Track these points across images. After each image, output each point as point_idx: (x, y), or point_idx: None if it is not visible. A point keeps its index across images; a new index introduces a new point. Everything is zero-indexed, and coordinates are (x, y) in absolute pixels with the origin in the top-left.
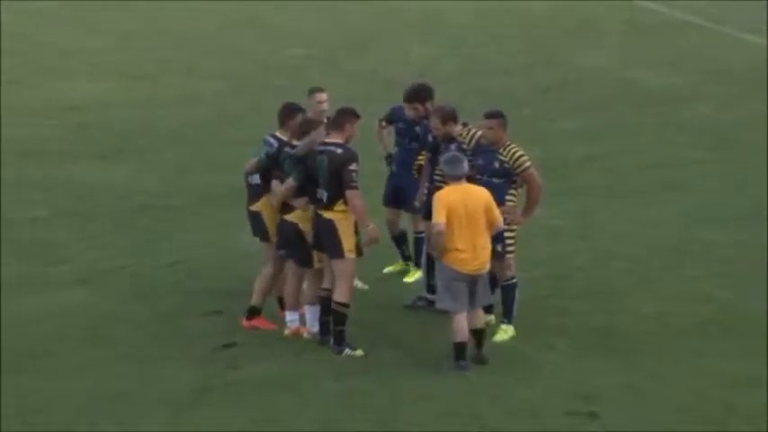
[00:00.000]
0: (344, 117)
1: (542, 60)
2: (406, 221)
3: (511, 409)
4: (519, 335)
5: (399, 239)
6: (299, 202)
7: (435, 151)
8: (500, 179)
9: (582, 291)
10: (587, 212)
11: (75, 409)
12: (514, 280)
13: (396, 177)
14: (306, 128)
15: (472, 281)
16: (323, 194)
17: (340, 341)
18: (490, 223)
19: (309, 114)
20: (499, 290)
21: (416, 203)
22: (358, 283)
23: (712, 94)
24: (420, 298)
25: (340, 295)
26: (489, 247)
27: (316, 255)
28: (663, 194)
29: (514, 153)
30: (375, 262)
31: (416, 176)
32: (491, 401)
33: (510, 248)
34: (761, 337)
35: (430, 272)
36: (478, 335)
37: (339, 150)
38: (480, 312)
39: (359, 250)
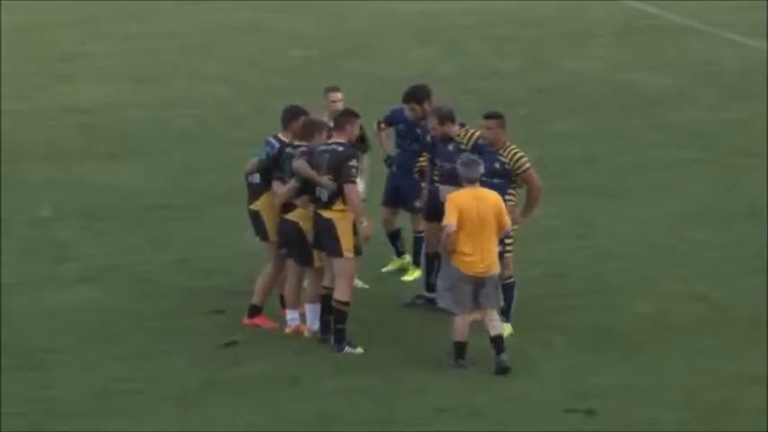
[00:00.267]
0: (345, 118)
1: (538, 63)
2: (406, 222)
3: (509, 405)
4: (517, 333)
5: (394, 236)
6: (301, 201)
7: (433, 151)
8: (500, 179)
9: (579, 289)
10: (584, 212)
11: (82, 405)
12: (512, 279)
13: (396, 178)
14: (309, 129)
15: (479, 282)
16: (322, 193)
17: (340, 339)
18: (500, 228)
19: (325, 114)
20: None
21: (417, 204)
22: (358, 283)
23: (705, 97)
24: (419, 296)
25: (340, 294)
26: (496, 250)
27: (316, 254)
28: (655, 195)
29: (515, 154)
30: (374, 261)
31: (417, 178)
32: (489, 398)
33: (509, 248)
34: (756, 335)
35: (429, 271)
36: (496, 342)
37: (340, 148)
38: (494, 317)
39: (357, 249)
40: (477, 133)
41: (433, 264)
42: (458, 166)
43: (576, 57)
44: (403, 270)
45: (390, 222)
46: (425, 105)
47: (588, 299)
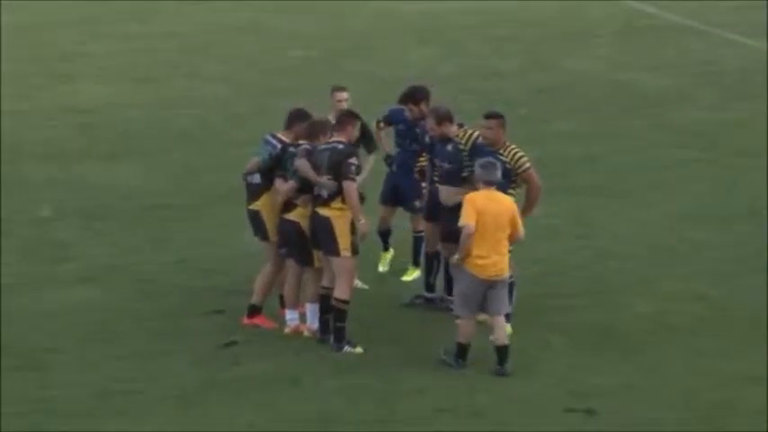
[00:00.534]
0: (347, 119)
1: (538, 63)
2: (405, 221)
3: (509, 405)
4: (516, 332)
5: (385, 234)
6: (301, 200)
7: (432, 152)
8: (501, 179)
9: (579, 289)
10: (584, 212)
11: (82, 405)
12: (513, 279)
13: (395, 177)
14: (315, 130)
15: (489, 285)
16: (322, 190)
17: (340, 338)
18: (514, 233)
19: (331, 113)
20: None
21: (417, 203)
22: (358, 283)
23: (705, 97)
24: (418, 296)
25: (341, 292)
26: (508, 254)
27: (316, 254)
28: (655, 195)
29: (515, 154)
30: (374, 262)
31: (418, 178)
32: (489, 398)
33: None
34: (756, 335)
35: (429, 271)
36: (500, 352)
37: (341, 146)
38: (501, 325)
39: (355, 249)
40: (476, 133)
41: (432, 264)
42: (476, 168)
43: (576, 57)
44: (402, 270)
45: (386, 221)
46: (423, 106)
47: (588, 299)
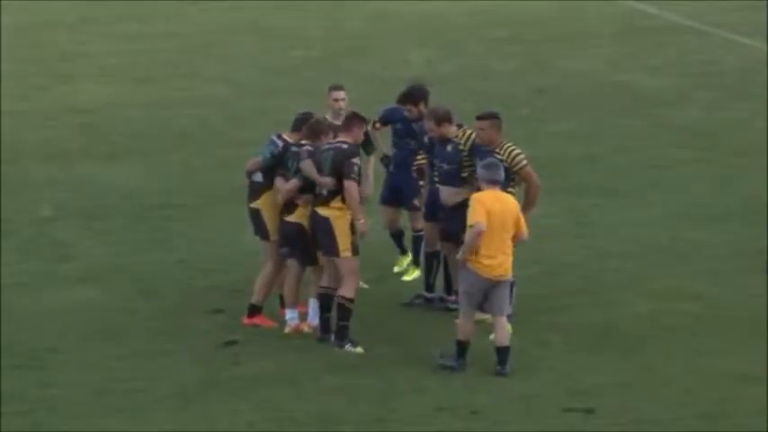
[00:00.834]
0: (353, 121)
1: (537, 63)
2: (405, 221)
3: (508, 405)
4: (515, 331)
5: (397, 236)
6: (302, 200)
7: (431, 152)
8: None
9: (578, 289)
10: (583, 212)
11: (83, 404)
12: (512, 278)
13: (393, 177)
14: (316, 130)
15: (492, 285)
16: (323, 189)
17: (342, 336)
18: (518, 234)
19: (328, 112)
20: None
21: (415, 202)
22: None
23: (705, 97)
24: (418, 296)
25: (347, 290)
26: (511, 255)
27: (319, 253)
28: (654, 194)
29: (511, 151)
30: (374, 261)
31: (416, 177)
32: (488, 397)
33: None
34: (756, 335)
35: (429, 270)
36: (501, 353)
37: (345, 146)
38: (503, 326)
39: (355, 249)
40: (475, 134)
41: (432, 263)
42: (479, 168)
43: (576, 57)
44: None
45: (394, 222)
46: (421, 107)
47: (587, 298)
